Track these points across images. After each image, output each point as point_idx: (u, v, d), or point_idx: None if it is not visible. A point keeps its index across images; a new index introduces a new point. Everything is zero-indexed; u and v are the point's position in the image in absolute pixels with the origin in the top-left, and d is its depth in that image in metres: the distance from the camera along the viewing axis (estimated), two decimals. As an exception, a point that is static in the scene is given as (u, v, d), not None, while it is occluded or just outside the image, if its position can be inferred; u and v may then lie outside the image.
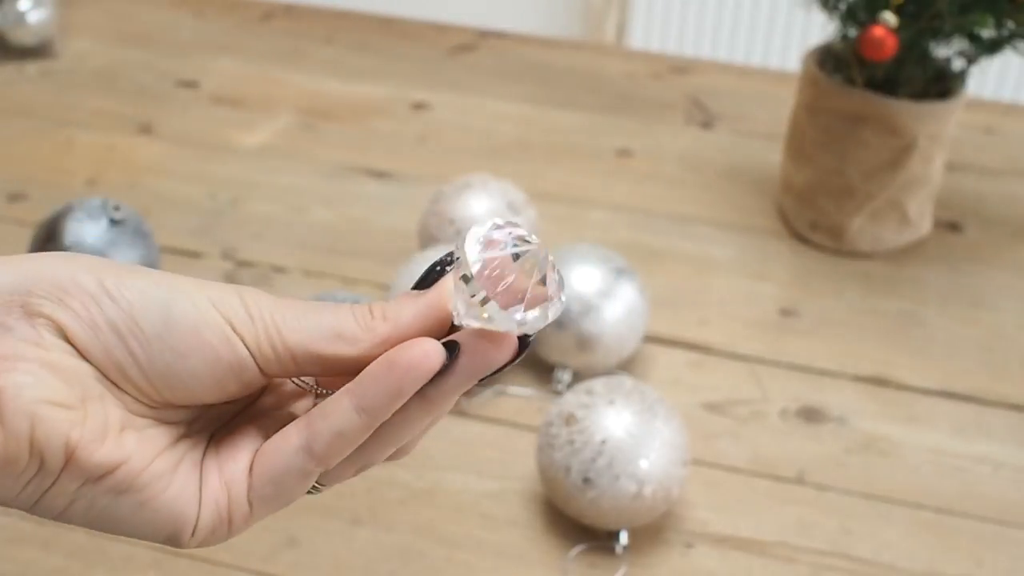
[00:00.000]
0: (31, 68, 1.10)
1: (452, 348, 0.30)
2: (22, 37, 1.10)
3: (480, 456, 0.65)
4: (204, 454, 0.32)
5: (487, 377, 0.31)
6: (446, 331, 0.31)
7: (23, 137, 0.98)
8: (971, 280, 0.83)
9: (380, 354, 0.31)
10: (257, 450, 0.32)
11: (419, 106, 1.06)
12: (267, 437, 0.32)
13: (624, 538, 0.59)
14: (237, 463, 0.32)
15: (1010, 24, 0.76)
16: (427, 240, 0.76)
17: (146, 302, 0.30)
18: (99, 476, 0.29)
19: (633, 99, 1.09)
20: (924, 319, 0.79)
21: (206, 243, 0.84)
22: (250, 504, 0.32)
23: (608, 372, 0.69)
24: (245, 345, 0.30)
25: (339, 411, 0.30)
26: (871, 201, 0.82)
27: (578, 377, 0.69)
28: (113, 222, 0.69)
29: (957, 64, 0.82)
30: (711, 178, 0.95)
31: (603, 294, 0.67)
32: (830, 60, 0.84)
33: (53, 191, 0.89)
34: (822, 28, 0.87)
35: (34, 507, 0.30)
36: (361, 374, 0.30)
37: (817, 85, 0.82)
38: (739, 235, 0.87)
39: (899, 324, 0.78)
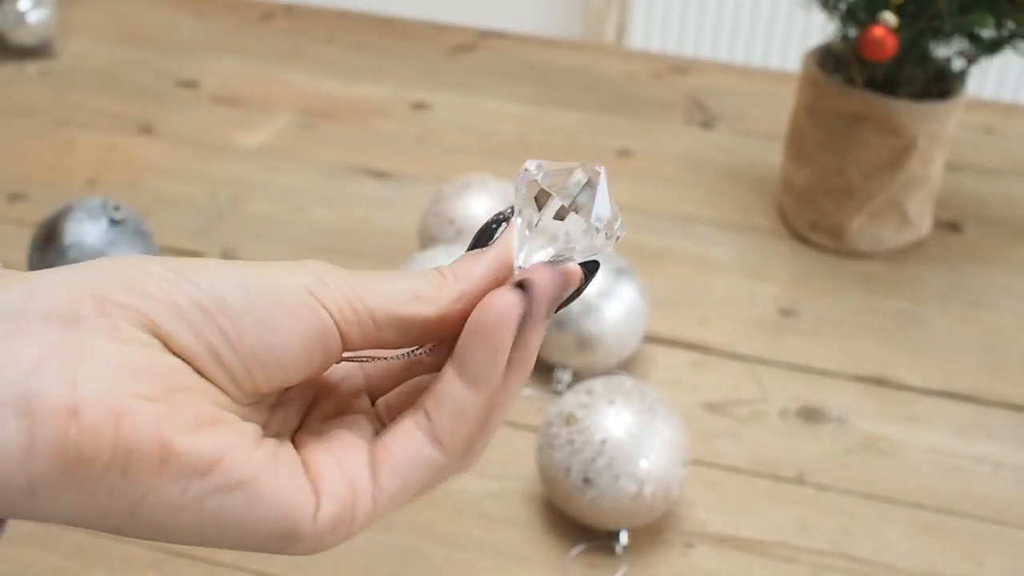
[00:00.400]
0: (31, 68, 1.10)
1: (524, 287, 0.30)
2: (22, 37, 1.10)
3: (480, 456, 0.65)
4: (302, 451, 0.31)
5: (560, 307, 0.31)
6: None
7: (23, 137, 0.98)
8: (971, 280, 0.83)
9: (456, 311, 0.30)
10: (368, 443, 0.31)
11: (419, 106, 1.06)
12: (363, 431, 0.32)
13: (624, 538, 0.59)
14: (357, 457, 0.30)
15: (1010, 24, 0.76)
16: (427, 240, 0.76)
17: (223, 279, 0.28)
18: (205, 471, 0.27)
19: (633, 99, 1.09)
20: (924, 319, 0.79)
21: (206, 243, 0.84)
22: (374, 500, 0.30)
23: (608, 372, 0.69)
24: (328, 311, 0.29)
25: (450, 391, 0.30)
26: (871, 201, 0.82)
27: (578, 377, 0.69)
28: (113, 222, 0.69)
29: (957, 64, 0.82)
30: (711, 178, 0.95)
31: (603, 294, 0.67)
32: (830, 60, 0.84)
33: (53, 191, 0.89)
34: (822, 28, 0.87)
35: (132, 519, 0.27)
36: (457, 349, 0.30)
37: (817, 85, 0.82)
38: (739, 235, 0.87)
39: (899, 324, 0.78)
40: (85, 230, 0.68)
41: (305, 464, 0.30)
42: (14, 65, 1.10)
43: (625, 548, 0.59)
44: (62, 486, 0.25)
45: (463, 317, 0.31)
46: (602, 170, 0.30)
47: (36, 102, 1.04)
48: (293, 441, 0.32)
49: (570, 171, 0.30)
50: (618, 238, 0.31)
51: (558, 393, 0.68)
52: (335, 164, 0.95)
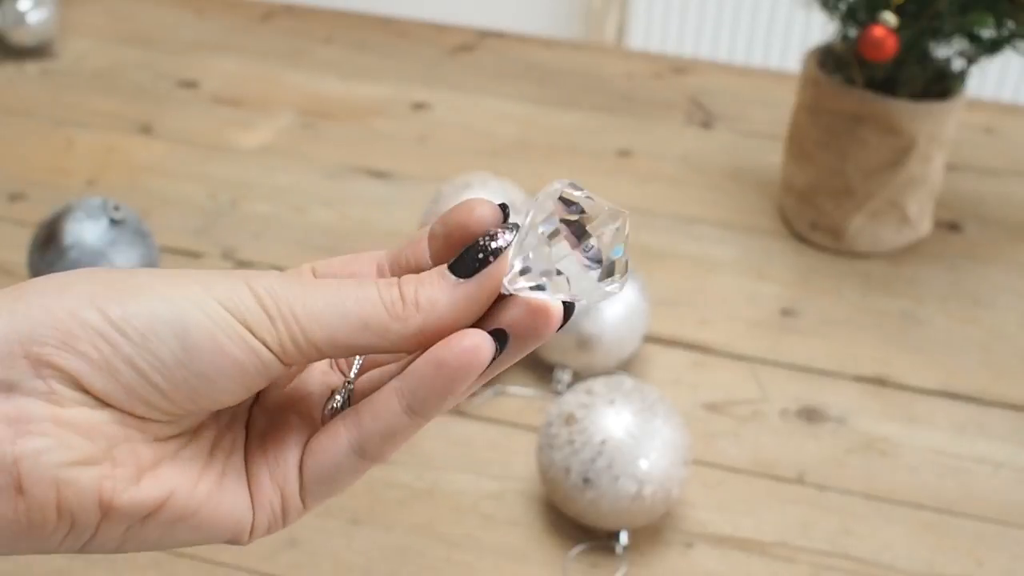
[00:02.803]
0: (31, 68, 1.10)
1: (502, 338, 0.29)
2: (22, 37, 1.10)
3: (480, 456, 0.65)
4: (247, 455, 0.32)
5: None
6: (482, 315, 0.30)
7: (23, 137, 0.98)
8: (971, 280, 0.83)
9: (413, 344, 0.29)
10: (304, 444, 0.31)
11: (419, 106, 1.06)
12: (306, 424, 0.32)
13: (624, 538, 0.59)
14: (287, 463, 0.31)
15: (1010, 24, 0.76)
16: (427, 240, 0.76)
17: (159, 327, 0.27)
18: (145, 516, 0.29)
19: (633, 99, 1.09)
20: (924, 319, 0.79)
21: (206, 243, 0.84)
22: (303, 501, 0.31)
23: (608, 372, 0.69)
24: (268, 348, 0.28)
25: (389, 412, 0.30)
26: (871, 201, 0.82)
27: (578, 377, 0.69)
28: (113, 222, 0.69)
29: (957, 64, 0.82)
30: (711, 178, 0.95)
31: (603, 294, 0.67)
32: (830, 60, 0.84)
33: (53, 191, 0.89)
34: (822, 28, 0.87)
35: (80, 551, 0.29)
36: (409, 372, 0.29)
37: (817, 85, 0.82)
38: (740, 235, 0.87)
39: (899, 324, 0.78)
40: (85, 230, 0.68)
41: (246, 472, 0.31)
42: (14, 65, 1.10)
43: (625, 548, 0.59)
44: (15, 542, 0.28)
45: (419, 347, 0.29)
46: (626, 215, 0.28)
47: (36, 102, 1.04)
48: (250, 413, 0.33)
49: (596, 206, 0.28)
50: (617, 289, 0.28)
51: (558, 393, 0.68)
52: (335, 164, 0.95)
